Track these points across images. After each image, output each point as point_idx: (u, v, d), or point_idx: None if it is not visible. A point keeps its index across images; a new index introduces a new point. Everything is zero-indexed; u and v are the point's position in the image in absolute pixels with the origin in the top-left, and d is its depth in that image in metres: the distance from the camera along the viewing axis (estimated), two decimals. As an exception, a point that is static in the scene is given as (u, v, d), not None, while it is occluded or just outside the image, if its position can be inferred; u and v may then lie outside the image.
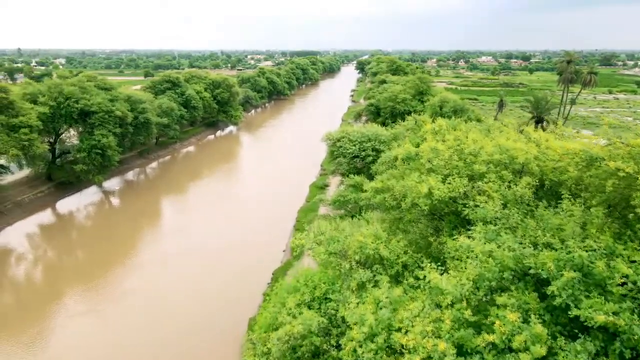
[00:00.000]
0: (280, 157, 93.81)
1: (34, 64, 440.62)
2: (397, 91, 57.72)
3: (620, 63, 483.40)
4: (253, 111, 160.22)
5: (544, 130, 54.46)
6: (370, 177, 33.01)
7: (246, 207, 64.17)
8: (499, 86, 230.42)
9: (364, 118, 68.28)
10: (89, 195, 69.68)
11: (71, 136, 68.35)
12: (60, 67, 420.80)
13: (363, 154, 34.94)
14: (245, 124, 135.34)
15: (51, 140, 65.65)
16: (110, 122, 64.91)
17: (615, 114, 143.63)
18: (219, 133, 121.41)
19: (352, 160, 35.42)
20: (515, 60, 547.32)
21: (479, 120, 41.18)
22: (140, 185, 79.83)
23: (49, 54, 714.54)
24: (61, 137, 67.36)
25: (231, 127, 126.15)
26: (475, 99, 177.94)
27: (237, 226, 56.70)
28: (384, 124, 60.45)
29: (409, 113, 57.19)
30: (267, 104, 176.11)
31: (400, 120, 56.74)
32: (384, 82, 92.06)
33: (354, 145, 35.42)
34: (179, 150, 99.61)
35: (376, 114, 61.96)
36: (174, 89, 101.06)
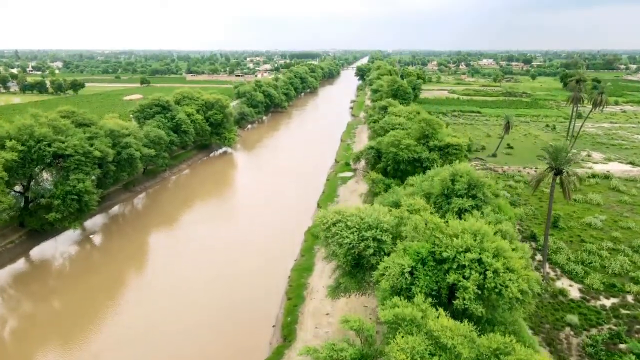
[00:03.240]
0: (275, 188, 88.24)
1: (30, 68, 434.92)
2: (400, 136, 52.47)
3: (622, 67, 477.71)
4: (249, 126, 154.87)
5: (562, 184, 49.39)
6: (368, 289, 27.95)
7: (234, 258, 58.45)
8: (502, 96, 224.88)
9: (362, 162, 63.20)
10: (67, 240, 64.36)
11: (46, 180, 62.79)
12: (57, 71, 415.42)
13: (362, 244, 29.66)
14: (241, 142, 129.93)
15: (24, 183, 60.33)
16: (88, 164, 59.66)
17: (624, 131, 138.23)
18: (212, 154, 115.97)
19: (350, 251, 30.13)
20: (516, 63, 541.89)
21: (496, 195, 35.95)
22: (126, 221, 74.51)
23: (48, 56, 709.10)
24: (36, 178, 61.92)
25: (225, 147, 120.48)
26: (479, 112, 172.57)
27: (221, 288, 50.91)
28: (385, 170, 55.32)
29: (414, 160, 52.07)
30: (264, 117, 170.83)
31: (404, 174, 51.52)
32: (385, 108, 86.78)
33: (352, 234, 30.14)
34: (169, 178, 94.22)
35: (377, 157, 56.75)
36: (163, 113, 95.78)
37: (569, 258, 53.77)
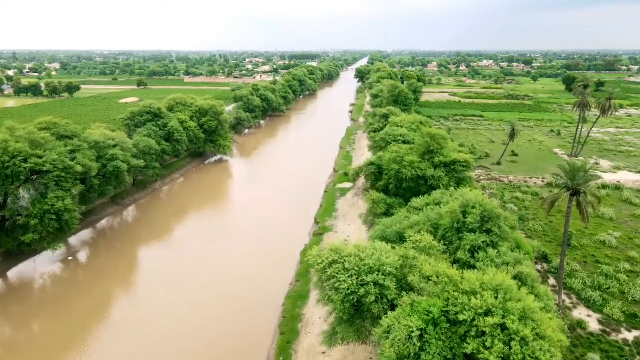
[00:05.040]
0: (271, 199, 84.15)
1: (27, 70, 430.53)
2: (402, 152, 48.51)
3: (624, 68, 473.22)
4: (246, 131, 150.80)
5: (580, 206, 45.51)
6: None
7: (226, 281, 54.36)
8: (504, 99, 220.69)
9: (361, 180, 59.25)
10: (47, 260, 60.35)
11: (23, 197, 58.62)
12: (54, 73, 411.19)
13: (362, 290, 25.77)
14: (237, 148, 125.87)
15: None
16: (68, 180, 55.70)
17: (631, 137, 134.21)
18: (207, 162, 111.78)
19: (348, 297, 26.23)
20: (517, 64, 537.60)
21: (513, 228, 32.01)
22: (114, 236, 70.30)
23: (46, 56, 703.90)
24: (12, 195, 57.83)
25: (221, 155, 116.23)
26: (481, 116, 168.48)
27: (211, 317, 46.84)
28: (386, 188, 51.39)
29: (418, 177, 48.19)
30: (261, 122, 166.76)
31: (407, 192, 47.62)
32: (386, 117, 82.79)
33: (350, 277, 26.25)
34: (160, 189, 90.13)
35: (377, 174, 52.80)
36: (155, 121, 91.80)
37: (585, 283, 49.87)
